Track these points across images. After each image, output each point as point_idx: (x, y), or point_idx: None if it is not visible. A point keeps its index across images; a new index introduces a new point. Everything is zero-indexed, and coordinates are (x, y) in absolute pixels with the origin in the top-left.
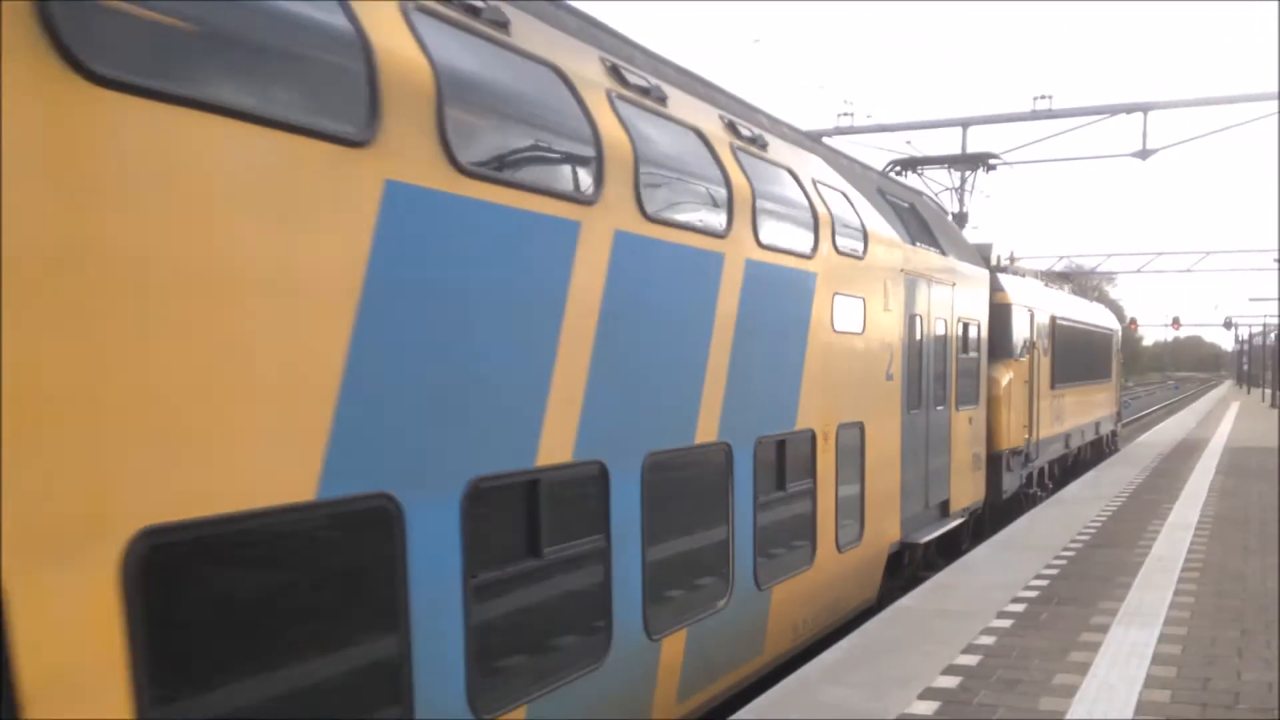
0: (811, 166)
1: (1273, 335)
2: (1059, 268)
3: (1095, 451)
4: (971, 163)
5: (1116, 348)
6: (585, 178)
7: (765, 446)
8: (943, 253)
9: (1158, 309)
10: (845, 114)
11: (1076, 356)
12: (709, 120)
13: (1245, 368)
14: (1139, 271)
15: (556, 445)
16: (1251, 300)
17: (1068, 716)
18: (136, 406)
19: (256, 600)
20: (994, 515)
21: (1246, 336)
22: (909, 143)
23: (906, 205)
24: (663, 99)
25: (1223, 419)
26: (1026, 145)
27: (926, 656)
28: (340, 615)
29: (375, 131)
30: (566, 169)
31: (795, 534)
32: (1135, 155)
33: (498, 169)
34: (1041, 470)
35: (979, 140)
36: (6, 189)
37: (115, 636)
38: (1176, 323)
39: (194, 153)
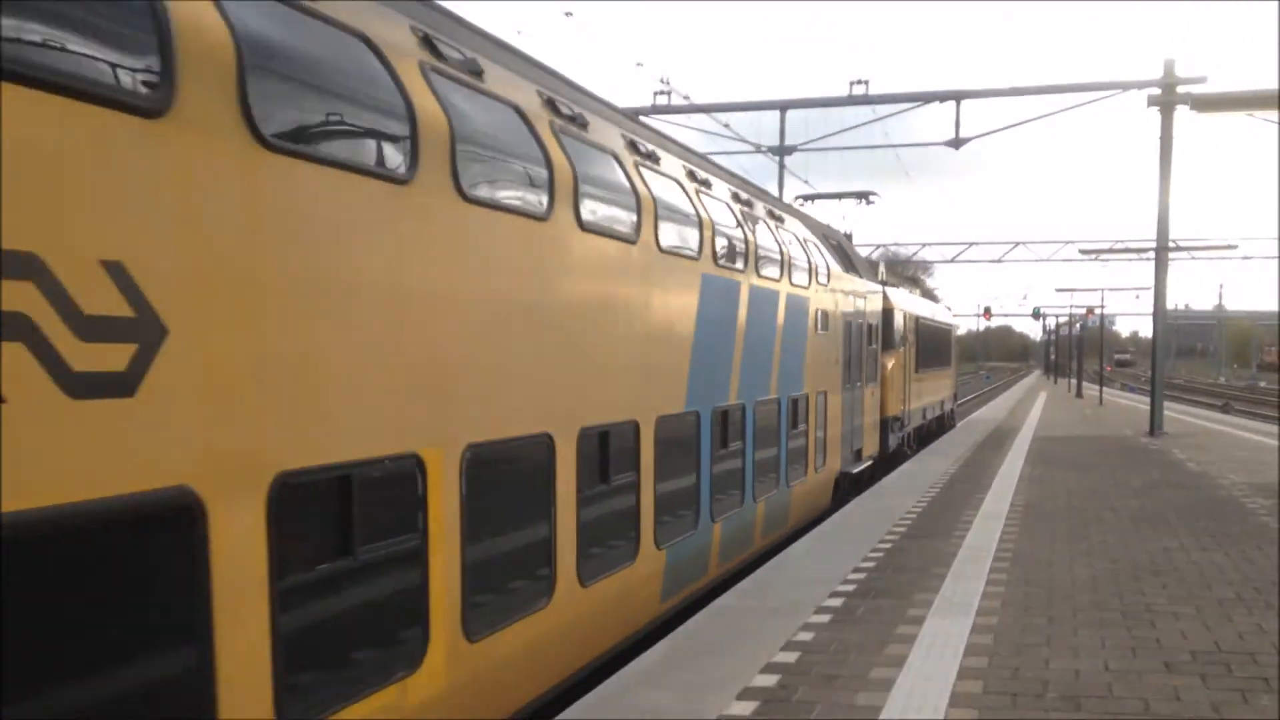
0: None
1: (1078, 326)
2: (876, 255)
3: (940, 425)
4: (857, 196)
5: (954, 340)
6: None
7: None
8: (860, 275)
9: (970, 298)
10: (662, 92)
11: (930, 348)
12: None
13: (1052, 358)
14: (953, 261)
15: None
16: (1058, 290)
17: (882, 716)
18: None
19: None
20: (884, 462)
21: (1053, 327)
22: (726, 125)
23: (835, 243)
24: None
25: (1031, 409)
26: (847, 130)
27: (745, 655)
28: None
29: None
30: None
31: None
32: (949, 144)
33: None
34: (909, 434)
35: (796, 122)
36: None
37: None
38: (988, 313)
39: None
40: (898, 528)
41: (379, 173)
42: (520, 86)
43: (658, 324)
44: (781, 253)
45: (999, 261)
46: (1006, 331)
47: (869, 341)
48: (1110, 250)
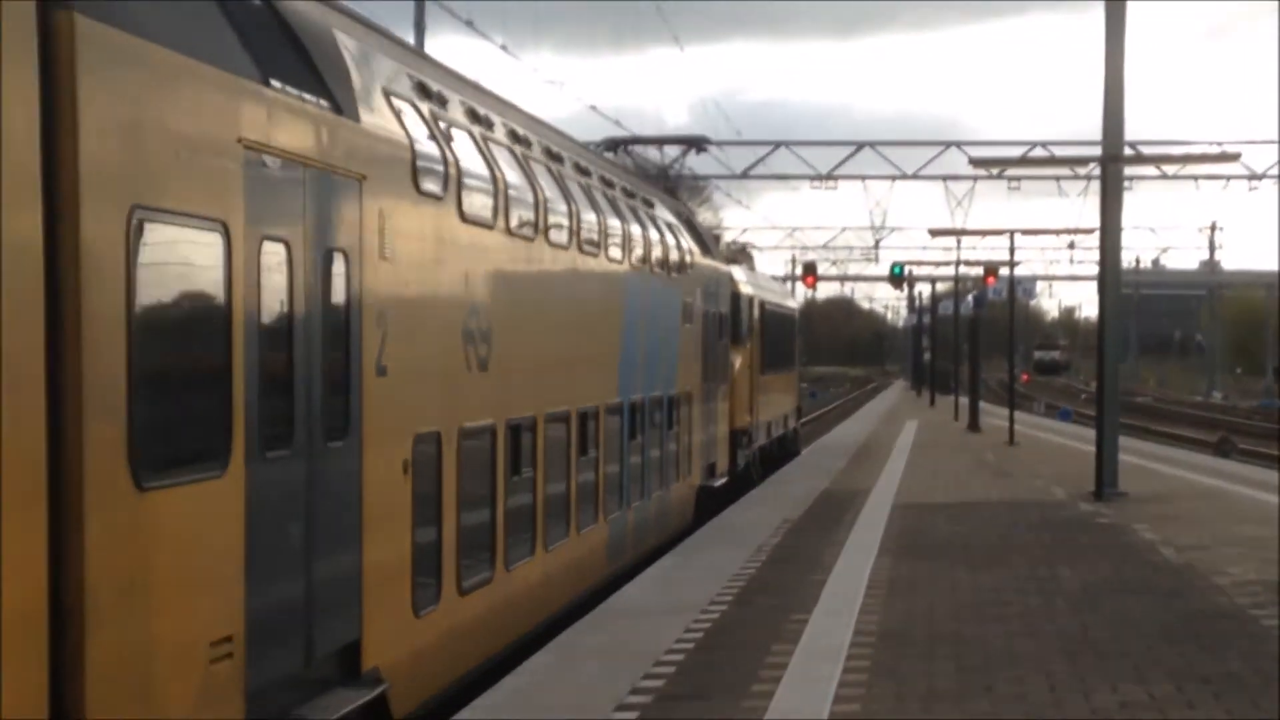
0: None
1: (969, 299)
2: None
3: (781, 448)
4: (684, 143)
5: (797, 330)
6: None
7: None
8: (711, 254)
9: (777, 250)
10: None
11: (774, 342)
12: None
13: (927, 358)
14: (748, 176)
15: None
16: (933, 234)
17: None
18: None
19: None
20: (734, 486)
21: (927, 299)
22: None
23: (687, 218)
24: None
25: (891, 452)
26: None
27: None
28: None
29: None
30: None
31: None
32: None
33: None
34: (755, 454)
35: None
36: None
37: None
38: (810, 277)
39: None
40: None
41: None
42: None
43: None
44: (650, 238)
45: (830, 179)
46: (846, 309)
47: (720, 334)
48: (1023, 163)
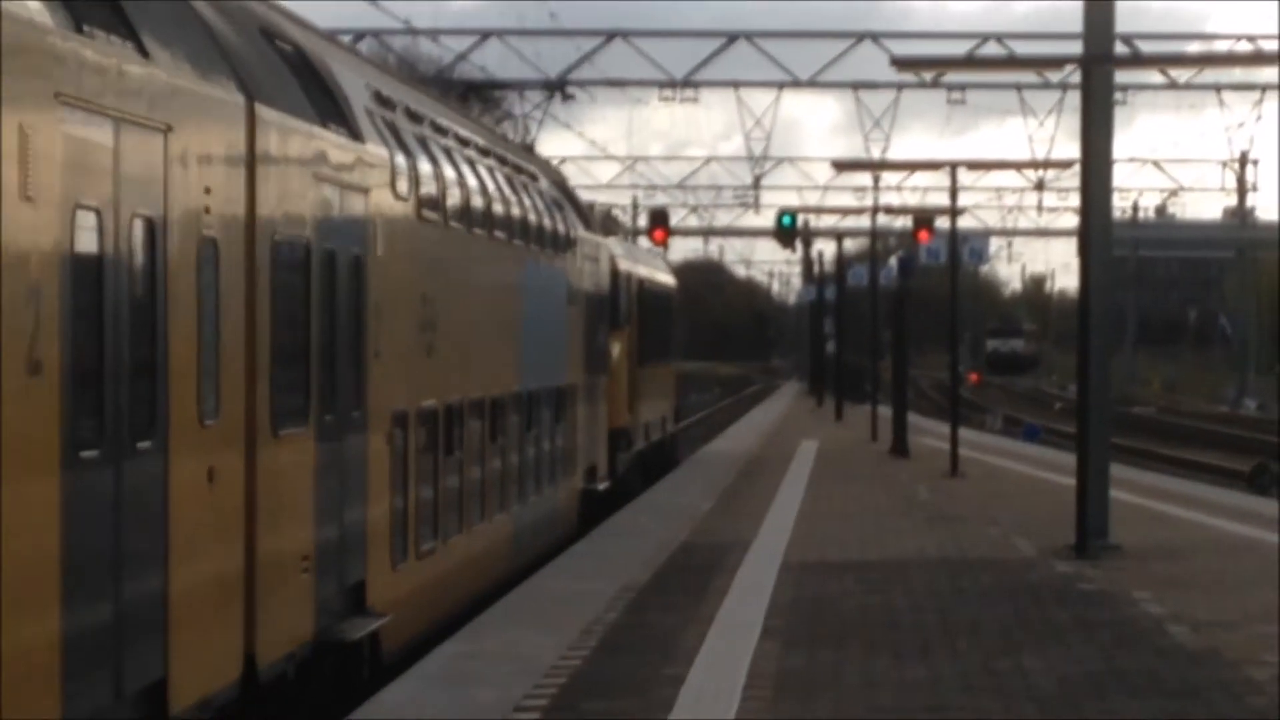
0: None
1: (890, 263)
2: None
3: (658, 455)
4: (547, 88)
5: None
6: None
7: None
8: (591, 226)
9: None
10: None
11: (653, 327)
12: None
13: (831, 350)
14: (564, 93)
15: None
16: (836, 167)
17: None
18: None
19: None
20: (614, 494)
21: (833, 263)
22: None
23: (562, 185)
24: None
25: (779, 487)
26: None
27: None
28: None
29: None
30: None
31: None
32: None
33: None
34: (633, 458)
35: None
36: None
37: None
38: (661, 231)
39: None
40: None
41: None
42: None
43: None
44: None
45: (688, 86)
46: (713, 280)
47: (600, 318)
48: (969, 65)
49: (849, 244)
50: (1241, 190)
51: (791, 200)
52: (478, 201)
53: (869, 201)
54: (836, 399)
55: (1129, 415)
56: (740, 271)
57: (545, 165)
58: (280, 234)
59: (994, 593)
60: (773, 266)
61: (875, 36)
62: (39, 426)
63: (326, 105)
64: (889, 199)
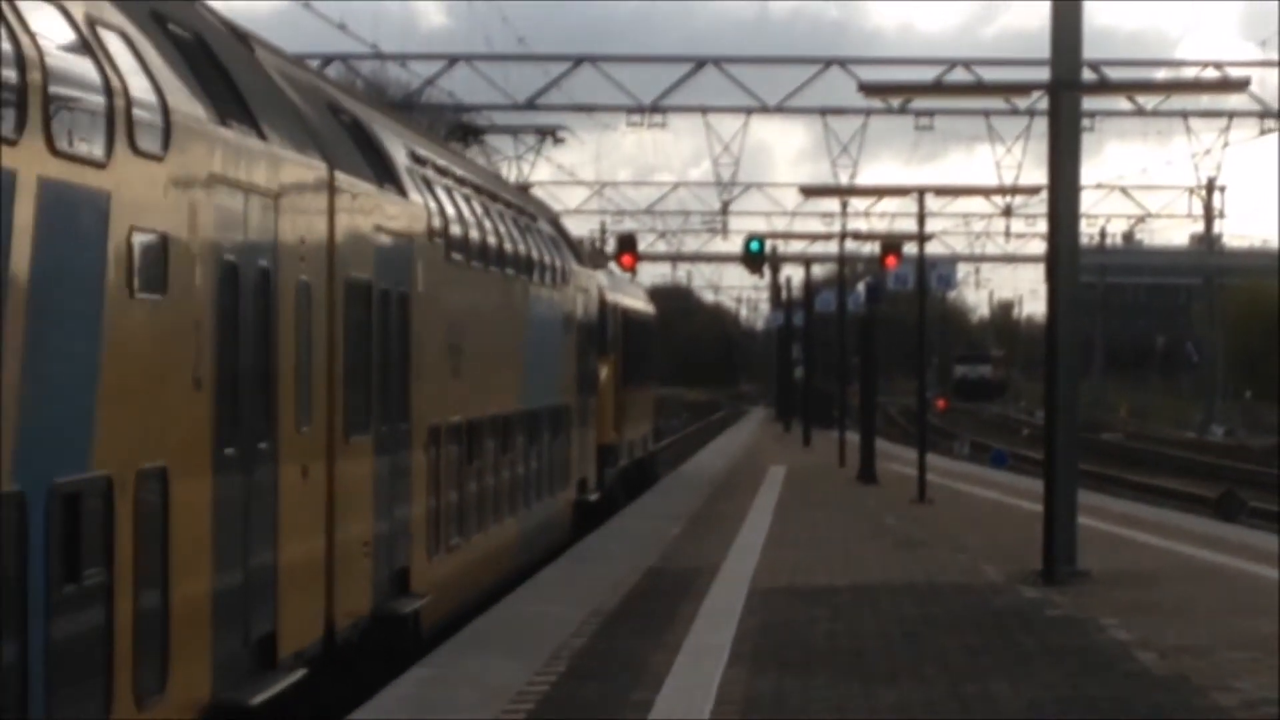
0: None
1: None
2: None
3: (639, 472)
4: (539, 133)
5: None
6: None
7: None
8: (581, 262)
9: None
10: None
11: (635, 353)
12: None
13: (799, 375)
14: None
15: None
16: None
17: None
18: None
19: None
20: (603, 505)
21: (800, 288)
22: None
23: (557, 225)
24: None
25: (748, 512)
26: None
27: None
28: None
29: None
30: None
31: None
32: None
33: None
34: (618, 474)
35: None
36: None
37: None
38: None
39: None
40: None
41: None
42: None
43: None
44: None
45: (656, 111)
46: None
47: (590, 344)
48: (937, 91)
49: (817, 269)
50: (1209, 217)
51: (760, 226)
52: (491, 242)
53: (837, 227)
54: (804, 425)
55: (1097, 441)
56: (708, 297)
57: (540, 205)
58: (350, 276)
59: (961, 619)
60: (741, 292)
61: (843, 62)
62: (200, 430)
63: (379, 167)
64: (857, 225)
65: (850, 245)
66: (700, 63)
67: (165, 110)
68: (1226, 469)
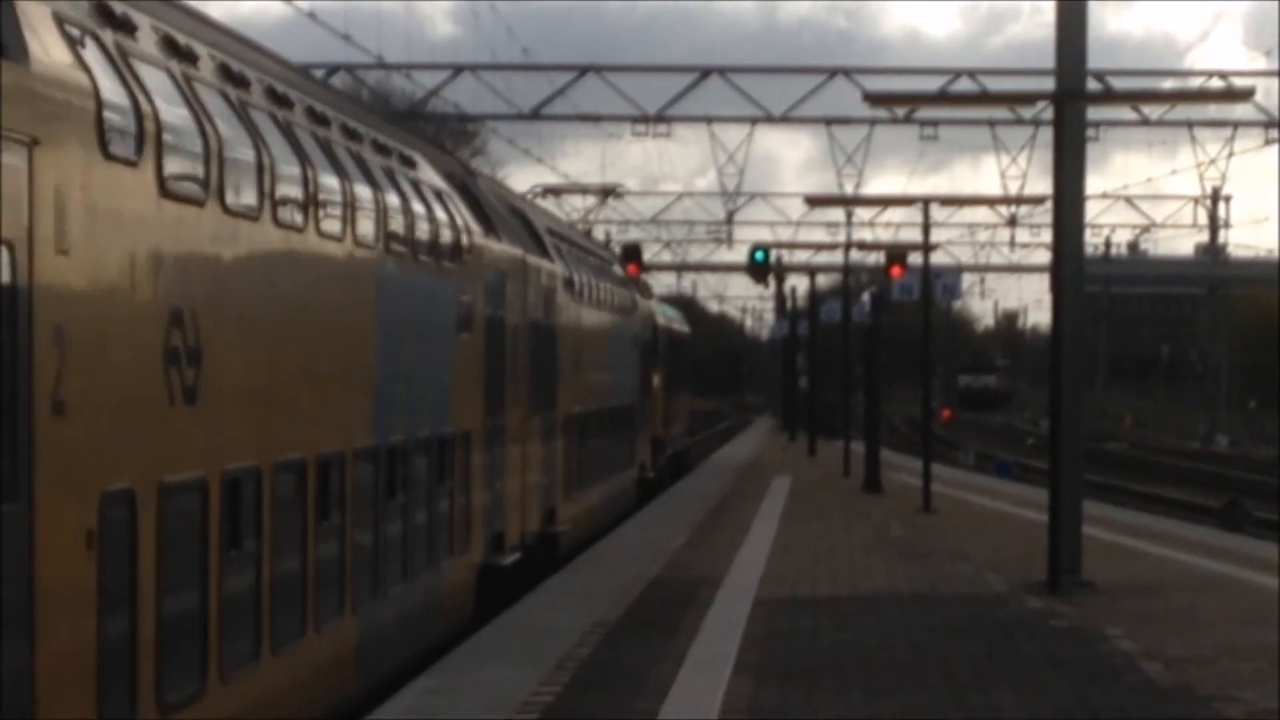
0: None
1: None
2: None
3: (680, 459)
4: (602, 194)
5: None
6: None
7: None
8: (642, 294)
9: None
10: None
11: (676, 364)
12: None
13: (804, 385)
14: (537, 118)
15: None
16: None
17: None
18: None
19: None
20: (655, 482)
21: (805, 298)
22: None
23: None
24: None
25: (752, 521)
26: None
27: None
28: None
29: None
30: None
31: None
32: None
33: None
34: (666, 460)
35: None
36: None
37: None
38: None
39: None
40: None
41: None
42: None
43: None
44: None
45: (661, 121)
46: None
47: (648, 359)
48: (941, 101)
49: (822, 279)
50: (1213, 227)
51: (764, 236)
52: (594, 286)
53: (842, 237)
54: (809, 434)
55: (1101, 451)
56: (713, 307)
57: (613, 253)
58: (534, 320)
59: (966, 629)
60: (746, 302)
61: (848, 72)
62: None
63: (539, 244)
64: (862, 235)
65: (855, 255)
66: (705, 72)
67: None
68: (1231, 479)
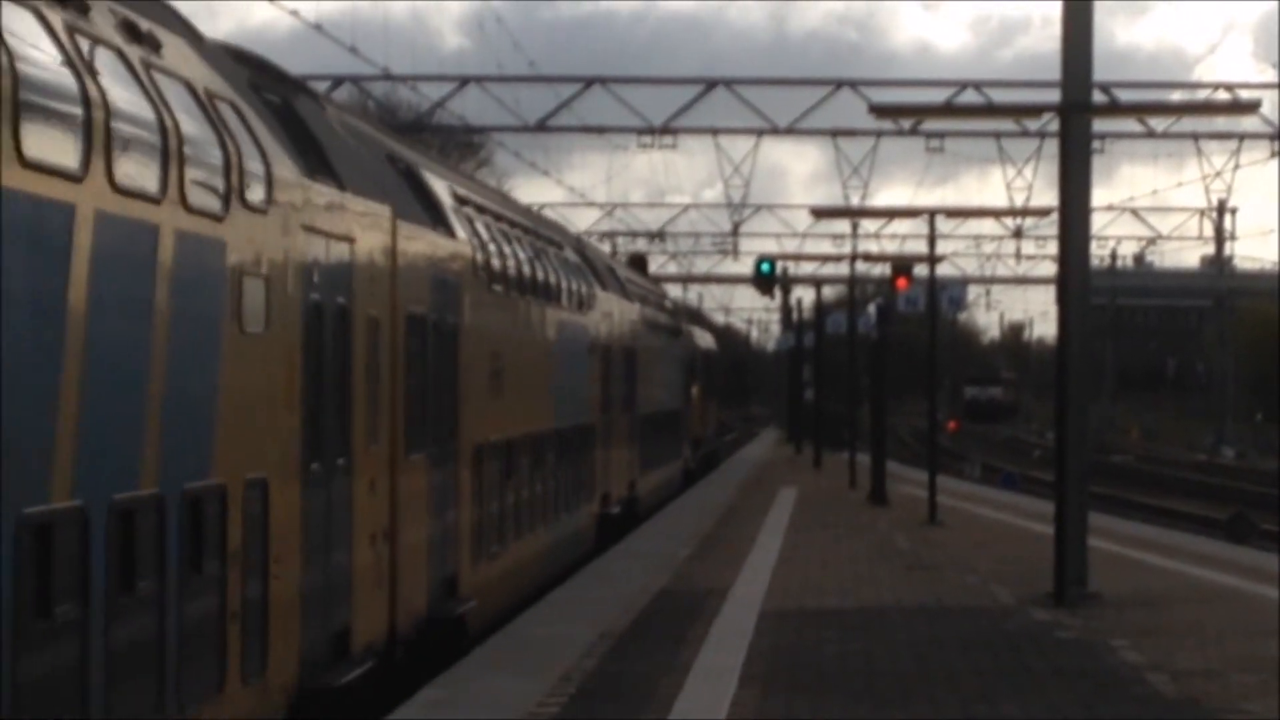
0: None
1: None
2: None
3: (711, 455)
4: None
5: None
6: None
7: None
8: (685, 323)
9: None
10: None
11: (709, 377)
12: None
13: (809, 397)
14: (544, 129)
15: None
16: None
17: None
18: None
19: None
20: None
21: (811, 310)
22: None
23: (664, 298)
24: None
25: (759, 532)
26: None
27: None
28: None
29: None
30: None
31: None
32: None
33: None
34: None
35: None
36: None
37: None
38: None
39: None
40: None
41: None
42: None
43: None
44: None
45: (667, 133)
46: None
47: (689, 373)
48: (947, 112)
49: (827, 291)
50: (1219, 239)
51: (770, 247)
52: (656, 319)
53: (848, 249)
54: (815, 446)
55: (1107, 463)
56: (719, 318)
57: (663, 291)
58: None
59: (972, 641)
60: (751, 313)
61: (854, 84)
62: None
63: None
64: (868, 246)
65: (861, 267)
66: (711, 84)
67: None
68: (1237, 491)
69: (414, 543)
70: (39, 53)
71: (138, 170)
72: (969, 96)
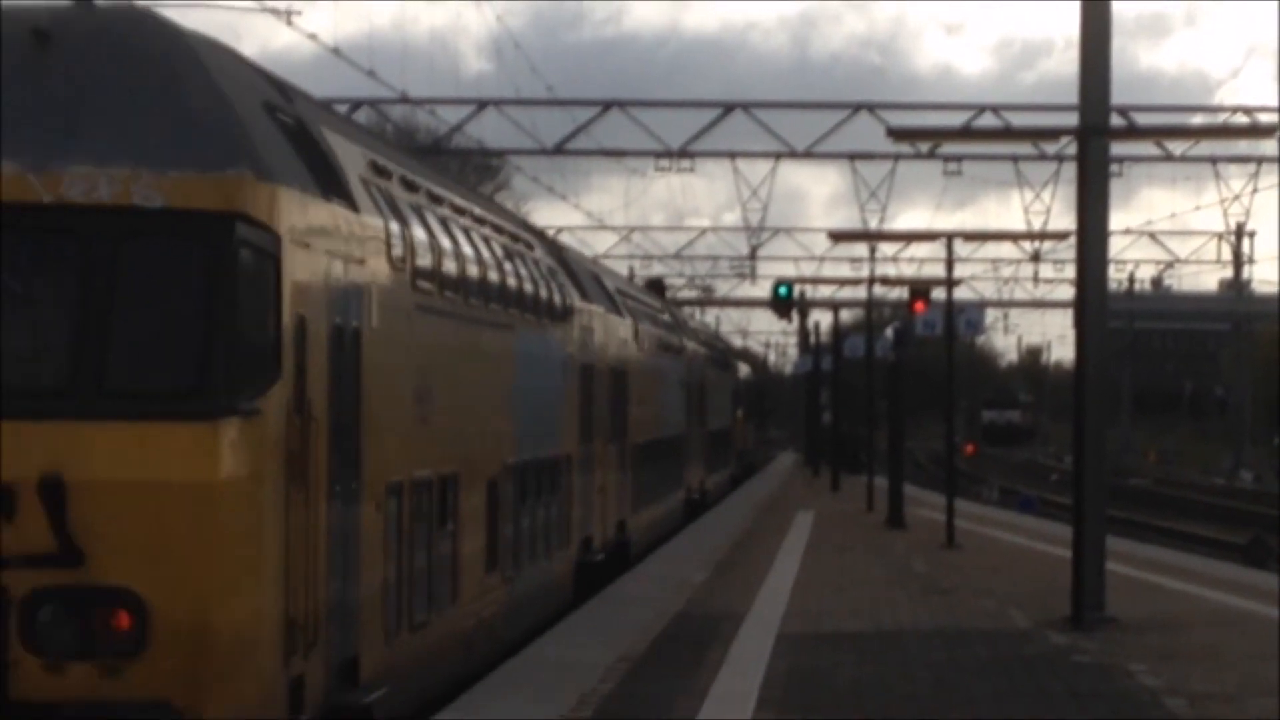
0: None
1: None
2: None
3: (749, 467)
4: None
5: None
6: None
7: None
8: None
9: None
10: None
11: (749, 401)
12: None
13: (827, 420)
14: (561, 152)
15: None
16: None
17: None
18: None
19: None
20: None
21: (829, 333)
22: None
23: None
24: None
25: (776, 555)
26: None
27: None
28: None
29: None
30: None
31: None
32: None
33: None
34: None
35: None
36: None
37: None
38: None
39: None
40: None
41: None
42: None
43: None
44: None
45: (685, 156)
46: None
47: (735, 396)
48: (965, 136)
49: (845, 314)
50: (1238, 262)
51: (788, 271)
52: (715, 353)
53: (865, 272)
54: (833, 469)
55: (1125, 487)
56: (737, 342)
57: (711, 332)
58: (695, 379)
59: (989, 664)
60: (769, 337)
61: (872, 107)
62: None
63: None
64: (885, 270)
65: (879, 290)
66: (729, 107)
67: None
68: (1255, 514)
69: (694, 464)
70: None
71: None
72: (987, 120)
